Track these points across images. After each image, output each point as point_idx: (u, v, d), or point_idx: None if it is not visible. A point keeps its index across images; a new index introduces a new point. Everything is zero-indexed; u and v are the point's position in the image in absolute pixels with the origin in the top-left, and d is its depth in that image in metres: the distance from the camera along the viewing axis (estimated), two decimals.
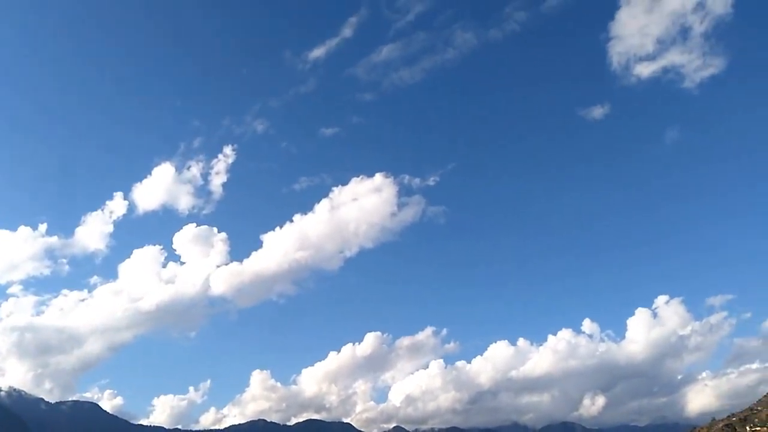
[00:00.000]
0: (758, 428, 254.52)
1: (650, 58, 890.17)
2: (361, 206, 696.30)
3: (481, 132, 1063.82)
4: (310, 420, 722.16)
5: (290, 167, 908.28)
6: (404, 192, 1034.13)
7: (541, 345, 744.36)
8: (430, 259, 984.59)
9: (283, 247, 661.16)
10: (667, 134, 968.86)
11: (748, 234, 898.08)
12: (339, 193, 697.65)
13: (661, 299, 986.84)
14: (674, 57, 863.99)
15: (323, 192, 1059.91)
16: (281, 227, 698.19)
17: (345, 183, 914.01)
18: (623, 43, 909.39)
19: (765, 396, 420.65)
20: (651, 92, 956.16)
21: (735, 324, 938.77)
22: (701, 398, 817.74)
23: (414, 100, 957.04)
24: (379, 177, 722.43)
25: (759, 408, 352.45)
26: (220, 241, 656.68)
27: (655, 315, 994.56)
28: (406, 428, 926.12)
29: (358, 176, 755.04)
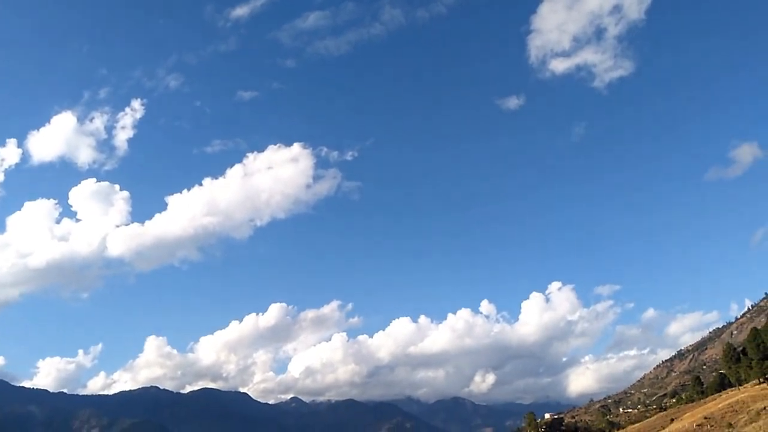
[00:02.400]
0: (630, 410, 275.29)
1: (566, 54, 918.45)
2: (275, 175, 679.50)
3: (401, 111, 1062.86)
4: (206, 389, 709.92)
5: (203, 128, 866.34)
6: (321, 164, 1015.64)
7: (440, 323, 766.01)
8: (342, 234, 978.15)
9: (190, 211, 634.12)
10: (575, 129, 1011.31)
11: (637, 231, 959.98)
12: (254, 160, 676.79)
13: (555, 285, 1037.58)
14: (588, 56, 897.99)
15: (237, 157, 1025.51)
16: (189, 190, 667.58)
17: (261, 150, 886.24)
18: (542, 37, 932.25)
19: (639, 380, 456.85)
20: (563, 88, 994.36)
21: (619, 312, 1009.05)
22: (582, 380, 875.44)
23: (338, 71, 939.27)
24: (297, 147, 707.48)
25: (632, 391, 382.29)
26: (121, 199, 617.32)
27: (547, 300, 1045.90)
28: (303, 399, 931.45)
29: (275, 144, 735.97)
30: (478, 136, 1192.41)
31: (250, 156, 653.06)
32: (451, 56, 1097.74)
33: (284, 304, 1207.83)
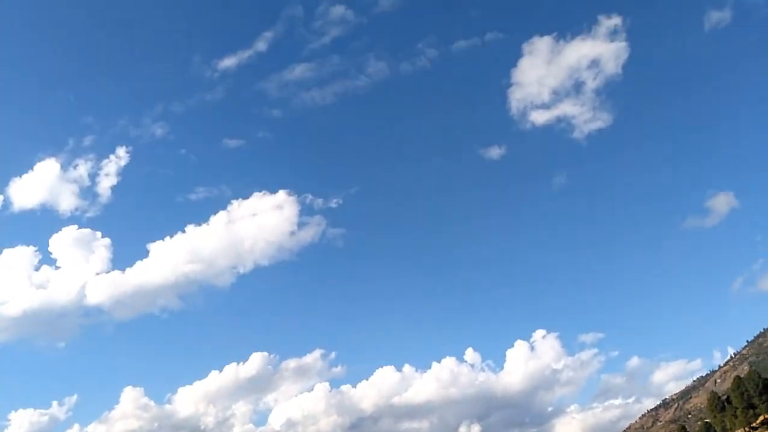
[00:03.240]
0: None
1: (546, 106, 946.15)
2: (260, 222, 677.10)
3: (385, 159, 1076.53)
4: None
5: (188, 175, 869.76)
6: (306, 211, 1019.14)
7: (425, 372, 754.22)
8: (326, 282, 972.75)
9: (172, 258, 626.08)
10: (556, 179, 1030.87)
11: (619, 279, 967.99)
12: (238, 207, 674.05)
13: (539, 333, 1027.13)
14: (567, 108, 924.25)
15: (221, 204, 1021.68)
16: (171, 237, 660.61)
17: (246, 197, 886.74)
18: (522, 90, 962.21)
19: (624, 430, 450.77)
20: (544, 138, 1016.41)
21: (603, 361, 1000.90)
22: (569, 430, 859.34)
23: (323, 121, 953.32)
24: (282, 194, 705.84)
25: None
26: (102, 246, 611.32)
27: (532, 348, 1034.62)
28: None
29: (260, 191, 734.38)
30: (461, 184, 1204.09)
31: (235, 203, 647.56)
32: (435, 107, 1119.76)
33: (266, 353, 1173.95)
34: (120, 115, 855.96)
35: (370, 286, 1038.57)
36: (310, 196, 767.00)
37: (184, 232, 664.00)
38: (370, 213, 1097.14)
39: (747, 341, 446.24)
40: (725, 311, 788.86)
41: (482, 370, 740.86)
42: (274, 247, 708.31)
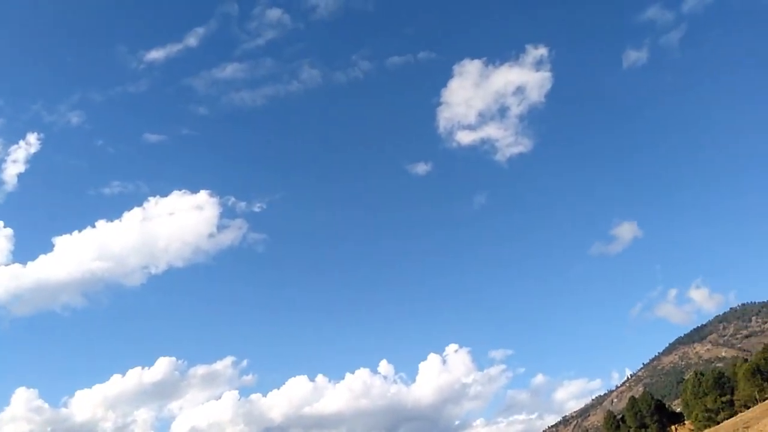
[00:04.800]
0: None
1: (471, 128, 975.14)
2: (177, 222, 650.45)
3: (313, 168, 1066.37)
4: None
5: (103, 168, 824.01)
6: (227, 214, 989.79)
7: (338, 382, 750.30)
8: (242, 287, 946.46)
9: (79, 253, 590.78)
10: (476, 198, 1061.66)
11: (529, 298, 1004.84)
12: (155, 204, 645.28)
13: (452, 347, 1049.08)
14: (492, 131, 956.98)
15: (137, 201, 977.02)
16: (80, 232, 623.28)
17: (164, 195, 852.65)
18: (451, 109, 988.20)
19: None
20: (468, 158, 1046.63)
21: (511, 377, 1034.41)
22: None
23: (251, 123, 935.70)
24: (203, 194, 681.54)
25: None
26: (3, 237, 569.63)
27: (444, 361, 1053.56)
28: None
29: (180, 190, 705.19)
30: (386, 198, 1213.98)
31: (152, 200, 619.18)
32: (366, 119, 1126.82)
33: (173, 359, 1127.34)
34: (34, 99, 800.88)
35: (288, 294, 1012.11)
36: (232, 199, 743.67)
37: (94, 227, 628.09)
38: (294, 220, 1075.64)
39: (643, 364, 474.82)
40: (624, 334, 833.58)
41: (395, 382, 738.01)
42: (191, 248, 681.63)
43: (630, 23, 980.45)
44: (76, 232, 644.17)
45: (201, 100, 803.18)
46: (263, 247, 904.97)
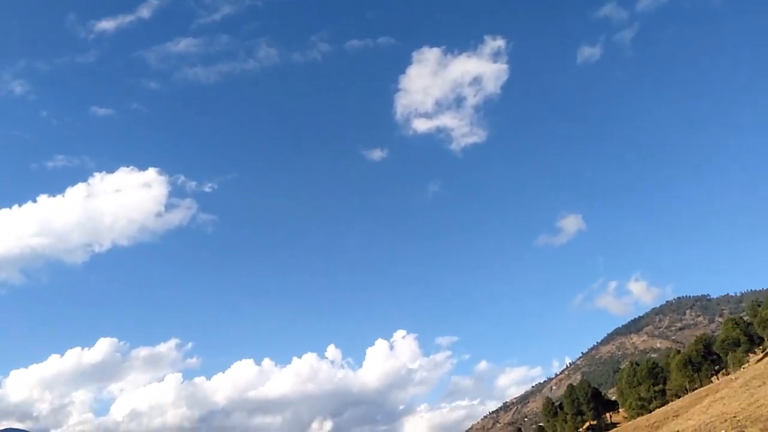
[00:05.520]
0: None
1: (428, 116, 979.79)
2: (124, 199, 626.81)
3: (267, 149, 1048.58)
4: (11, 429, 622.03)
5: (47, 141, 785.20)
6: (176, 193, 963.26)
7: (285, 367, 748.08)
8: (189, 268, 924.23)
9: (18, 228, 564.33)
10: (430, 187, 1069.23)
11: (472, 286, 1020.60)
12: (101, 181, 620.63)
13: (400, 333, 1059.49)
14: (447, 120, 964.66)
15: (81, 176, 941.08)
16: (20, 206, 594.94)
17: (111, 171, 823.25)
18: (408, 96, 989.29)
19: (467, 430, 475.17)
20: (423, 146, 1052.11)
21: (455, 363, 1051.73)
22: (416, 429, 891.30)
23: (204, 101, 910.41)
24: (152, 172, 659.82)
25: None
26: None
27: (392, 347, 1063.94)
28: None
29: (127, 166, 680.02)
30: (341, 183, 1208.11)
31: (98, 176, 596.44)
32: (322, 102, 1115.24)
33: (115, 339, 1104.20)
34: None
35: (237, 277, 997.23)
36: (182, 178, 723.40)
37: (35, 202, 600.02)
38: (245, 203, 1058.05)
39: (582, 353, 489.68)
40: (566, 324, 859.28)
41: (342, 366, 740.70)
42: (137, 227, 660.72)
43: (586, 20, 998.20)
44: (15, 207, 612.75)
45: (153, 75, 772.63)
46: (213, 228, 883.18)
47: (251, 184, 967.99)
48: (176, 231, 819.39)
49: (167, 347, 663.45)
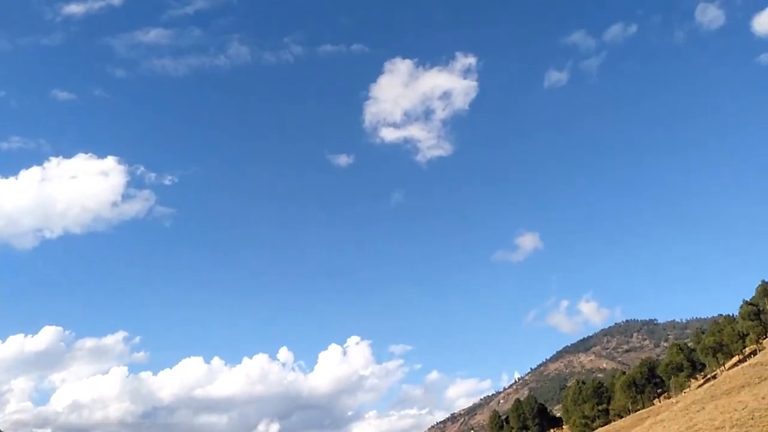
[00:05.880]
0: None
1: (396, 126, 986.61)
2: (79, 186, 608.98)
3: (232, 146, 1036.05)
4: None
5: (3, 121, 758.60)
6: (134, 183, 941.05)
7: (235, 366, 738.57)
8: (142, 261, 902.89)
9: None
10: (394, 195, 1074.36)
11: (430, 297, 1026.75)
12: (56, 165, 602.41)
13: (353, 339, 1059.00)
14: (415, 131, 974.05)
15: (36, 159, 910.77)
16: None
17: (67, 156, 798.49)
18: (378, 105, 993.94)
19: None
20: (390, 156, 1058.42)
21: (407, 372, 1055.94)
22: None
23: (171, 93, 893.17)
24: (111, 160, 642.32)
25: None
26: None
27: (345, 353, 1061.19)
28: None
29: (86, 153, 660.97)
30: (304, 186, 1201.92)
31: (53, 160, 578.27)
32: (292, 104, 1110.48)
33: (60, 329, 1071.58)
34: None
35: (191, 274, 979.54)
36: (142, 168, 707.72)
37: None
38: (205, 198, 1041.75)
39: (531, 369, 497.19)
40: (517, 339, 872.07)
41: (293, 369, 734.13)
42: (91, 215, 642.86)
43: (555, 45, 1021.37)
44: None
45: (119, 63, 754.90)
46: (170, 222, 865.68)
47: (212, 180, 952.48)
48: (132, 222, 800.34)
49: (114, 340, 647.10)
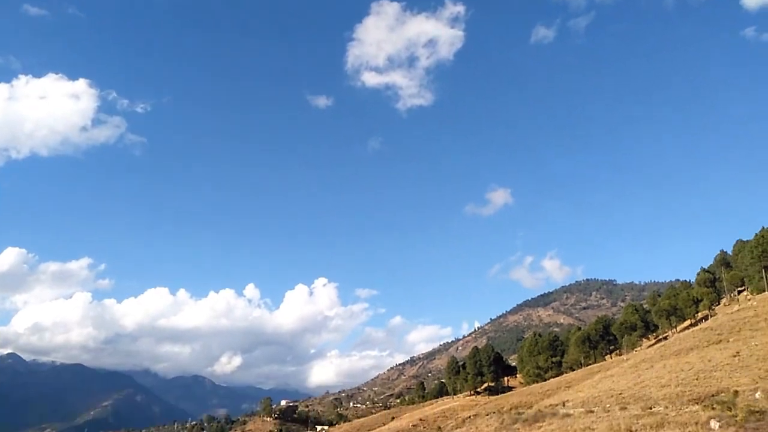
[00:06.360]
0: (359, 405, 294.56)
1: (379, 70, 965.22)
2: (48, 107, 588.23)
3: (209, 77, 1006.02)
4: None
5: None
6: (105, 108, 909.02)
7: (201, 299, 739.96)
8: (111, 189, 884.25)
9: None
10: (371, 142, 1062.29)
11: (400, 245, 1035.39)
12: (25, 84, 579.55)
13: (321, 281, 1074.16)
14: (397, 78, 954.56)
15: (4, 77, 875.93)
16: None
17: (38, 75, 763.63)
18: (362, 48, 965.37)
19: (373, 379, 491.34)
20: (370, 101, 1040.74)
21: (371, 315, 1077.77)
22: (324, 373, 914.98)
23: (150, 16, 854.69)
24: (82, 83, 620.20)
25: (365, 388, 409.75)
26: None
27: (311, 293, 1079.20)
28: (23, 357, 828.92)
29: (57, 74, 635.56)
30: (280, 124, 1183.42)
31: (23, 78, 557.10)
32: (274, 39, 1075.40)
33: (23, 250, 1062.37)
34: None
35: (160, 204, 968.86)
36: (114, 94, 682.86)
37: None
38: (178, 129, 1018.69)
39: (491, 319, 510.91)
40: (480, 290, 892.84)
41: (259, 306, 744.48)
42: (60, 138, 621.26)
43: (545, 0, 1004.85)
44: None
45: None
46: (141, 151, 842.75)
47: (187, 113, 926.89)
48: (101, 148, 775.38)
49: (79, 265, 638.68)
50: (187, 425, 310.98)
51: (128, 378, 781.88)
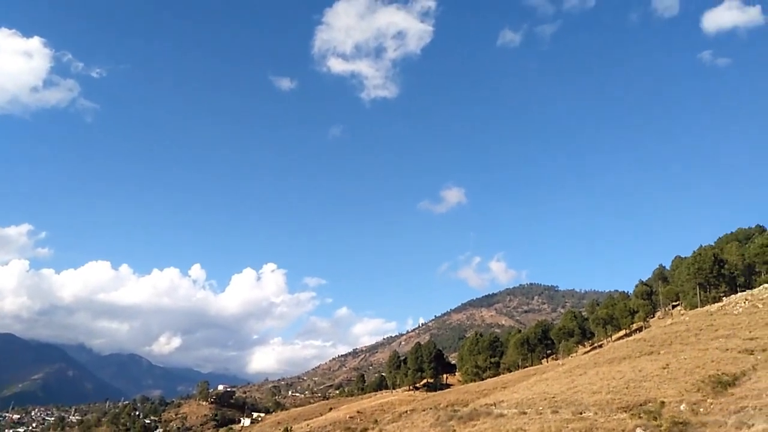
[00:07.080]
0: (298, 394, 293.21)
1: (345, 58, 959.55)
2: None
3: (169, 48, 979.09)
4: None
5: None
6: (59, 70, 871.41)
7: (144, 276, 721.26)
8: (58, 154, 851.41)
9: None
10: (332, 129, 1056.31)
11: (351, 236, 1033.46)
12: None
13: (270, 266, 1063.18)
14: (363, 67, 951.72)
15: None
16: None
17: None
18: (330, 32, 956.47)
19: (314, 369, 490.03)
20: (334, 88, 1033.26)
21: (318, 305, 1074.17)
22: (265, 360, 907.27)
23: None
24: (36, 41, 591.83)
25: (305, 378, 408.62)
26: None
27: (259, 278, 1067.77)
28: None
29: (9, 29, 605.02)
30: (238, 103, 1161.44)
31: None
32: (241, 17, 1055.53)
33: None
34: None
35: (108, 174, 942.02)
36: (69, 55, 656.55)
37: None
38: (134, 98, 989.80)
39: (435, 316, 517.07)
40: (428, 287, 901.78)
41: (204, 288, 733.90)
42: (7, 97, 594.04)
43: (514, 4, 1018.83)
44: None
45: None
46: (92, 118, 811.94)
47: (144, 81, 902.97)
48: (51, 111, 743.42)
49: (17, 231, 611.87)
50: (120, 404, 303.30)
51: (61, 352, 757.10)
